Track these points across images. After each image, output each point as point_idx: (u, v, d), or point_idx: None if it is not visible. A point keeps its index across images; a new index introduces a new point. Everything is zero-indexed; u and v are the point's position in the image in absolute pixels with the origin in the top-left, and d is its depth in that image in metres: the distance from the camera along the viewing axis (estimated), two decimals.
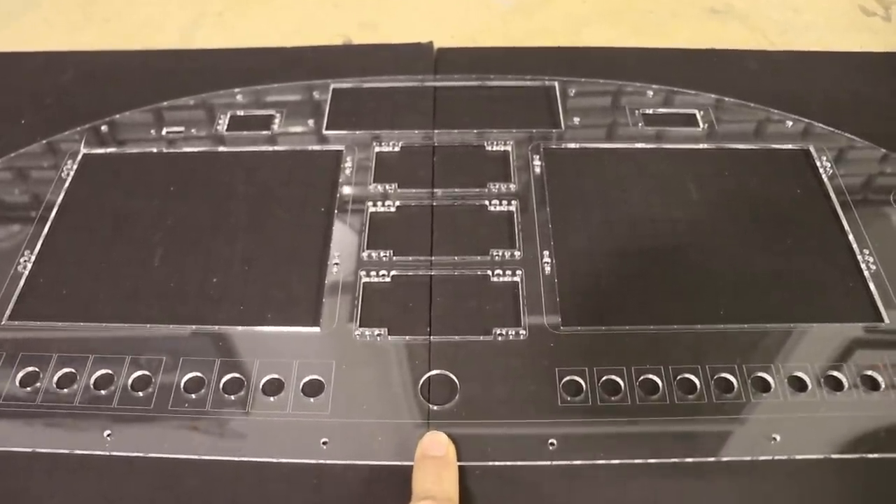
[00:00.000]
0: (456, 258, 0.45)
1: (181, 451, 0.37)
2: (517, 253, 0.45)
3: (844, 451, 0.37)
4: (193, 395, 0.39)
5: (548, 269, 0.44)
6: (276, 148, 0.52)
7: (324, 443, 0.38)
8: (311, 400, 0.39)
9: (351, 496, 0.36)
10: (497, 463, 0.37)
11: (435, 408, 0.39)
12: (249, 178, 0.51)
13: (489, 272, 0.44)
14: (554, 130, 0.53)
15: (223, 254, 0.46)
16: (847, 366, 0.40)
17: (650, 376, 0.40)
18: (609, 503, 0.36)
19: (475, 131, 0.53)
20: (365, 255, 0.45)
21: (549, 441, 0.37)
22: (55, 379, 0.40)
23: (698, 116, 0.54)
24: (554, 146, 0.52)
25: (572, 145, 0.52)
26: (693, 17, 0.65)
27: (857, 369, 0.40)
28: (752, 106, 0.55)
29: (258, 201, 0.49)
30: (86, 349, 0.41)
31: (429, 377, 0.40)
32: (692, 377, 0.40)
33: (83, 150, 0.52)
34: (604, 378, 0.40)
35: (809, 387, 0.39)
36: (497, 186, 0.49)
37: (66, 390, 0.40)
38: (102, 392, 0.40)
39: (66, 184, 0.50)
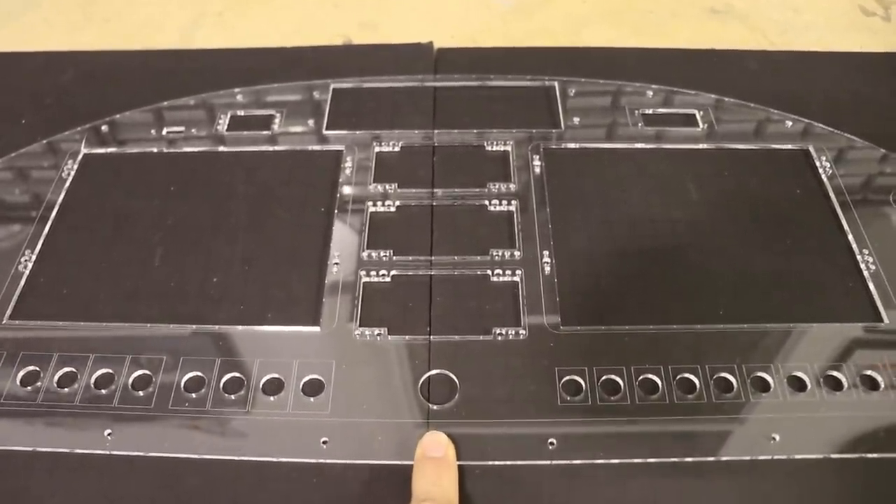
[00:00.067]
0: (456, 258, 0.45)
1: (181, 450, 0.38)
2: (517, 253, 0.45)
3: (844, 451, 0.37)
4: (194, 395, 0.39)
5: (547, 268, 0.44)
6: (277, 148, 0.52)
7: (324, 442, 0.38)
8: (311, 399, 0.39)
9: (351, 495, 0.36)
10: (497, 462, 0.37)
11: (435, 407, 0.39)
12: (249, 178, 0.51)
13: (489, 272, 0.44)
14: (554, 130, 0.53)
15: (223, 253, 0.46)
16: (846, 366, 0.40)
17: (650, 376, 0.40)
18: (609, 502, 0.36)
19: (475, 131, 0.53)
20: (365, 254, 0.45)
21: (549, 440, 0.37)
22: (56, 378, 0.40)
23: (698, 116, 0.54)
24: (554, 146, 0.52)
25: (572, 145, 0.52)
26: (693, 17, 0.65)
27: (856, 369, 0.40)
28: (752, 106, 0.55)
29: (258, 201, 0.49)
30: (86, 348, 0.41)
31: (429, 377, 0.40)
32: (692, 377, 0.40)
33: (83, 150, 0.52)
34: (603, 378, 0.40)
35: (809, 387, 0.39)
36: (497, 186, 0.49)
37: (66, 389, 0.40)
38: (103, 391, 0.40)
39: (67, 183, 0.50)
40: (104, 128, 0.54)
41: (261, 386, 0.40)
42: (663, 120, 0.54)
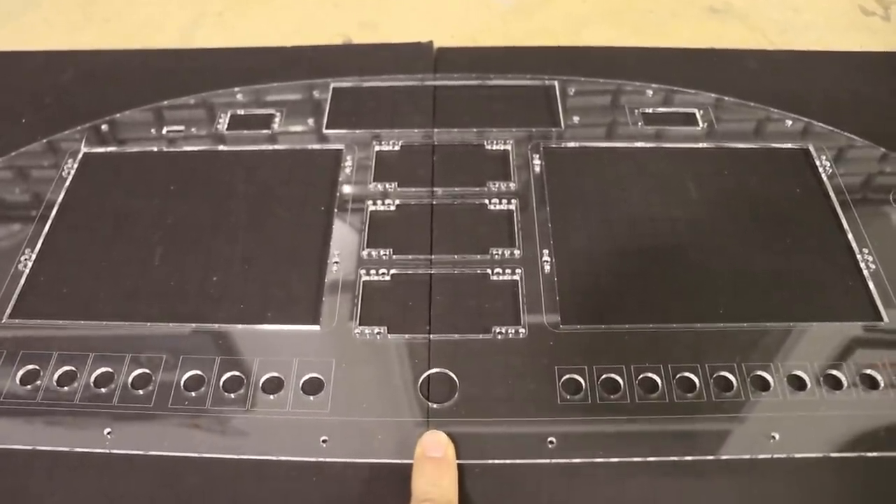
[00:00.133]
0: (456, 257, 0.45)
1: (181, 448, 0.38)
2: (517, 252, 0.45)
3: (843, 450, 0.37)
4: (193, 394, 0.39)
5: (547, 267, 0.44)
6: (277, 147, 0.52)
7: (323, 441, 0.38)
8: (311, 398, 0.39)
9: (350, 494, 0.36)
10: (496, 461, 0.37)
11: (434, 406, 0.39)
12: (249, 177, 0.51)
13: (489, 271, 0.44)
14: (554, 129, 0.53)
15: (223, 252, 0.46)
16: (846, 365, 0.40)
17: (649, 375, 0.40)
18: (608, 501, 0.36)
19: (475, 130, 0.53)
20: (365, 253, 0.45)
21: (549, 439, 0.37)
22: (55, 377, 0.40)
23: (698, 116, 0.54)
24: (554, 145, 0.52)
25: (572, 144, 0.52)
26: (693, 16, 0.65)
27: (856, 368, 0.40)
28: (752, 105, 0.55)
29: (258, 200, 0.49)
30: (86, 347, 0.41)
31: (428, 375, 0.40)
32: (691, 376, 0.40)
33: (84, 149, 0.52)
34: (603, 376, 0.40)
35: (808, 385, 0.39)
36: (497, 185, 0.49)
37: (66, 388, 0.40)
38: (103, 390, 0.40)
39: (67, 183, 0.50)
40: (104, 127, 0.54)
41: (260, 384, 0.40)
42: (663, 119, 0.54)
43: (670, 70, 0.58)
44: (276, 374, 0.40)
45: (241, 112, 0.55)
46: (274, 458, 0.37)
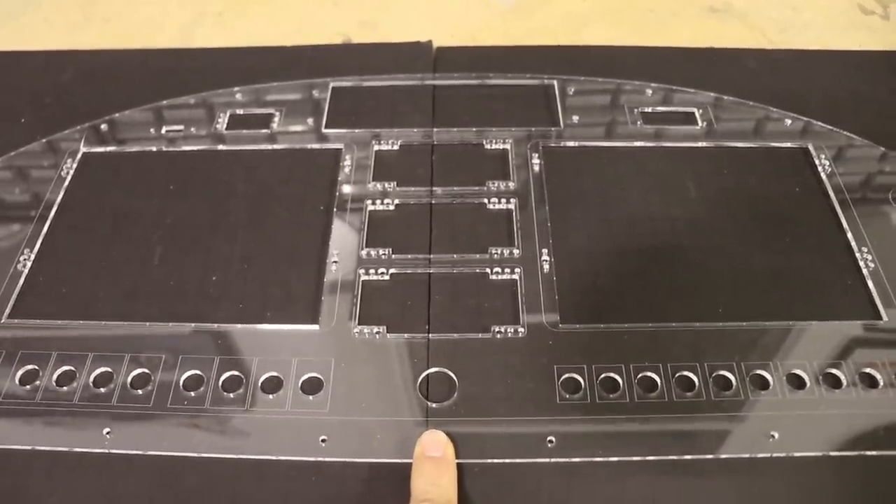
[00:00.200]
0: (455, 256, 0.45)
1: (180, 448, 0.38)
2: (516, 251, 0.45)
3: (843, 449, 0.37)
4: (192, 393, 0.39)
5: (546, 267, 0.44)
6: (276, 146, 0.52)
7: (322, 440, 0.38)
8: (310, 398, 0.39)
9: (350, 494, 0.36)
10: (496, 460, 0.37)
11: (434, 405, 0.39)
12: (249, 177, 0.51)
13: (488, 270, 0.44)
14: (553, 129, 0.53)
15: (223, 252, 0.46)
16: (845, 363, 0.40)
17: (649, 374, 0.40)
18: (608, 501, 0.36)
19: (474, 129, 0.53)
20: (364, 253, 0.45)
21: (548, 438, 0.37)
22: (55, 377, 0.40)
23: (697, 115, 0.54)
24: (553, 144, 0.52)
25: (571, 143, 0.52)
26: (692, 15, 0.65)
27: (855, 367, 0.40)
28: (751, 104, 0.55)
29: (257, 200, 0.49)
30: (85, 347, 0.41)
31: (427, 375, 0.40)
32: (691, 375, 0.40)
33: (83, 149, 0.52)
34: (602, 376, 0.40)
35: (808, 384, 0.39)
36: (496, 185, 0.49)
37: (65, 388, 0.40)
38: (102, 390, 0.40)
39: (66, 182, 0.50)
40: (104, 127, 0.54)
41: (260, 384, 0.40)
42: (662, 118, 0.54)
43: (670, 69, 0.58)
44: (275, 374, 0.40)
45: (240, 112, 0.55)
46: (273, 457, 0.37)
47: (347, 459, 0.37)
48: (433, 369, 0.40)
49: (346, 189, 0.49)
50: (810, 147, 0.51)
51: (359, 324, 0.42)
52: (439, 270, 0.45)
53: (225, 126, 0.54)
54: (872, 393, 0.39)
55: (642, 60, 0.59)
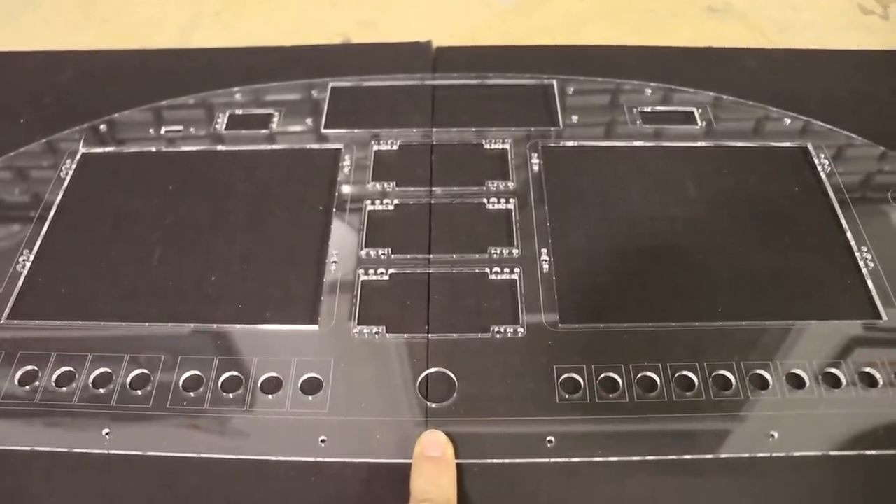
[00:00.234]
0: (454, 256, 0.45)
1: (180, 449, 0.38)
2: (515, 251, 0.45)
3: (842, 448, 0.37)
4: (192, 394, 0.39)
5: (546, 266, 0.44)
6: (275, 147, 0.52)
7: (322, 441, 0.38)
8: (310, 398, 0.39)
9: (349, 494, 0.36)
10: (495, 460, 0.37)
11: (433, 405, 0.39)
12: (248, 177, 0.51)
13: (487, 270, 0.44)
14: (552, 128, 0.53)
15: (222, 252, 0.46)
16: (845, 363, 0.40)
17: (648, 374, 0.40)
18: (607, 500, 0.36)
19: (474, 129, 0.53)
20: (363, 253, 0.45)
21: (548, 438, 0.37)
22: (54, 377, 0.40)
23: (697, 114, 0.54)
24: (552, 144, 0.52)
25: (571, 143, 0.52)
26: (692, 15, 0.65)
27: (854, 366, 0.40)
28: (751, 104, 0.55)
29: (257, 200, 0.49)
30: (84, 348, 0.41)
31: (427, 375, 0.40)
32: (690, 374, 0.40)
33: (82, 150, 0.52)
34: (602, 375, 0.40)
35: (807, 384, 0.39)
36: (495, 184, 0.49)
37: (64, 389, 0.40)
38: (101, 391, 0.40)
39: (65, 183, 0.50)
40: (103, 127, 0.54)
41: (259, 384, 0.40)
42: (662, 118, 0.54)
43: (669, 69, 0.58)
44: (274, 374, 0.40)
45: (239, 112, 0.55)
46: (273, 458, 0.37)
47: (347, 460, 0.37)
48: (432, 369, 0.40)
49: (346, 189, 0.49)
50: (810, 146, 0.51)
51: (358, 324, 0.42)
52: (439, 270, 0.45)
53: (224, 126, 0.54)
54: (872, 392, 0.39)
55: (642, 60, 0.59)
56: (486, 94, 0.56)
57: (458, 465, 0.36)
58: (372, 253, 0.45)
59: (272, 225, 0.48)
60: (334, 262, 0.45)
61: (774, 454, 0.37)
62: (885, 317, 0.42)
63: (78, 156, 0.52)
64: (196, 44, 0.63)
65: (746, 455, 0.37)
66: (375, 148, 0.52)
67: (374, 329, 0.42)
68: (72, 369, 0.40)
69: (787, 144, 0.52)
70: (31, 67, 0.60)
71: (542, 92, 0.56)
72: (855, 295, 0.43)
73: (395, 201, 0.48)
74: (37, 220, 0.48)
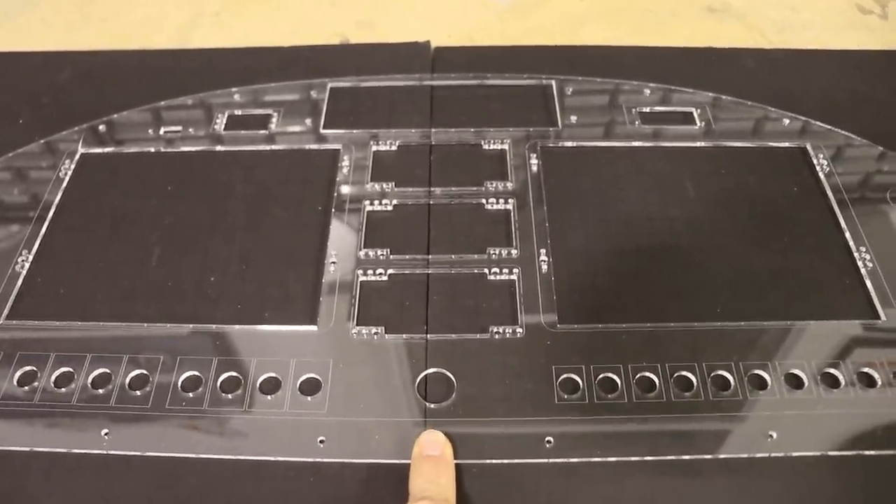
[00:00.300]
0: (453, 257, 0.45)
1: (179, 449, 0.38)
2: (514, 251, 0.45)
3: (841, 448, 0.37)
4: (191, 394, 0.39)
5: (545, 267, 0.44)
6: (274, 147, 0.52)
7: (321, 441, 0.38)
8: (309, 398, 0.39)
9: (348, 494, 0.36)
10: (494, 461, 0.37)
11: (432, 406, 0.39)
12: (247, 178, 0.51)
13: (486, 270, 0.44)
14: (551, 129, 0.53)
15: (221, 253, 0.46)
16: (844, 363, 0.40)
17: (647, 374, 0.40)
18: (606, 501, 0.36)
19: (472, 130, 0.53)
20: (362, 253, 0.45)
21: (546, 439, 0.37)
22: (53, 378, 0.40)
23: (695, 115, 0.54)
24: (551, 145, 0.52)
25: (569, 144, 0.52)
26: (691, 15, 0.65)
27: (853, 367, 0.40)
28: (750, 104, 0.55)
29: (256, 200, 0.49)
30: (83, 348, 0.41)
31: (426, 375, 0.40)
32: (689, 375, 0.40)
33: (81, 150, 0.52)
34: (601, 376, 0.40)
35: (806, 384, 0.39)
36: (494, 185, 0.49)
37: (63, 389, 0.40)
38: (100, 391, 0.40)
39: (64, 183, 0.50)
40: (101, 127, 0.54)
41: (258, 385, 0.40)
42: (661, 118, 0.54)
43: (668, 69, 0.58)
44: (273, 375, 0.40)
45: (238, 112, 0.55)
46: (271, 458, 0.37)
47: (346, 460, 0.37)
48: (431, 370, 0.40)
49: (345, 189, 0.49)
50: (808, 147, 0.51)
51: (357, 324, 0.42)
52: (437, 271, 0.45)
53: (223, 127, 0.54)
54: (870, 392, 0.39)
55: (640, 60, 0.59)
56: (484, 95, 0.56)
57: (457, 466, 0.36)
58: (371, 253, 0.45)
59: (271, 225, 0.48)
60: (333, 262, 0.45)
61: (773, 454, 0.37)
62: (883, 317, 0.42)
63: (77, 156, 0.52)
64: (195, 44, 0.63)
65: (745, 455, 0.37)
66: (374, 148, 0.52)
67: (373, 329, 0.42)
68: (71, 370, 0.40)
69: (786, 145, 0.52)
70: (29, 68, 0.60)
71: (541, 92, 0.56)
72: (853, 295, 0.43)
73: (394, 202, 0.48)
74: (36, 220, 0.48)
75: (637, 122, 0.53)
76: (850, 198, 0.48)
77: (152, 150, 0.53)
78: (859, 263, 0.44)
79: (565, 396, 0.39)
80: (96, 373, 0.40)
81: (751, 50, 0.61)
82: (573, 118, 0.54)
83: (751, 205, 0.48)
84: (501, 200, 0.48)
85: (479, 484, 0.37)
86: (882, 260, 0.45)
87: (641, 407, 0.38)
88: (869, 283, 0.43)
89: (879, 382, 0.39)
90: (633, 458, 0.37)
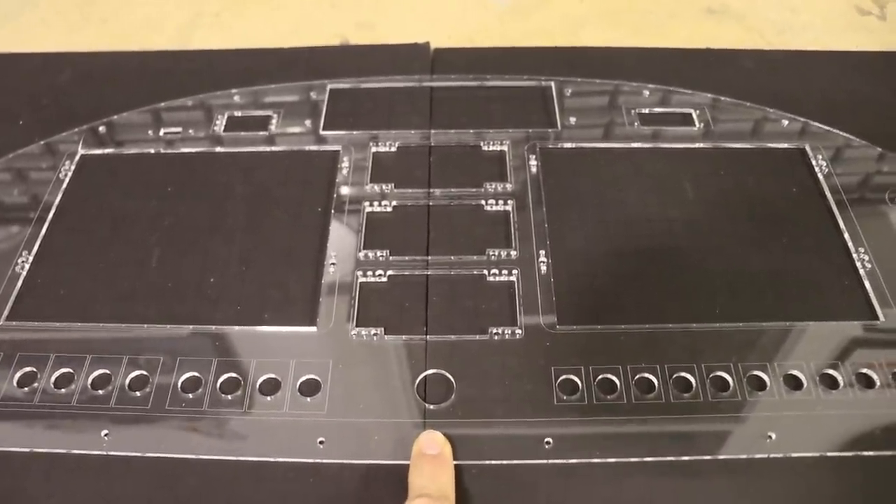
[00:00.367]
0: (452, 258, 0.45)
1: (178, 450, 0.38)
2: (513, 252, 0.45)
3: (840, 449, 0.37)
4: (191, 395, 0.39)
5: (544, 268, 0.44)
6: (274, 148, 0.53)
7: (320, 442, 0.38)
8: (308, 399, 0.39)
9: (348, 495, 0.36)
10: (493, 462, 0.37)
11: (431, 407, 0.39)
12: (247, 179, 0.51)
13: (485, 272, 0.44)
14: (550, 130, 0.53)
15: (220, 254, 0.46)
16: (842, 364, 0.40)
17: (646, 375, 0.40)
18: (605, 502, 0.36)
19: (472, 131, 0.53)
20: (361, 254, 0.45)
21: (545, 440, 0.38)
22: (53, 379, 0.40)
23: (694, 116, 0.54)
24: (550, 146, 0.52)
25: (569, 145, 0.52)
26: (690, 17, 0.65)
27: (852, 367, 0.40)
28: (749, 105, 0.55)
29: (255, 201, 0.49)
30: (83, 349, 0.41)
31: (425, 376, 0.40)
32: (688, 376, 0.40)
33: (81, 151, 0.52)
34: (600, 377, 0.40)
35: (805, 385, 0.39)
36: (493, 186, 0.49)
37: (63, 390, 0.40)
38: (100, 392, 0.40)
39: (64, 184, 0.50)
40: (101, 129, 0.54)
41: (258, 386, 0.40)
42: (660, 119, 0.54)
43: (667, 70, 0.58)
44: (272, 376, 0.40)
45: (238, 113, 0.55)
46: (271, 459, 0.37)
47: (345, 461, 0.37)
48: (431, 371, 0.40)
49: (344, 191, 0.49)
50: (807, 148, 0.51)
51: (357, 325, 0.42)
52: (437, 272, 0.45)
53: (223, 128, 0.54)
54: (869, 393, 0.39)
55: (640, 62, 0.59)
56: (484, 96, 0.56)
57: (457, 467, 0.37)
58: (370, 254, 0.45)
59: (271, 226, 0.48)
60: (333, 263, 0.45)
61: (772, 455, 0.37)
62: (882, 318, 0.42)
63: (77, 157, 0.52)
64: (194, 45, 0.63)
65: (744, 456, 0.37)
66: (374, 149, 0.52)
67: (373, 330, 0.42)
68: (71, 371, 0.40)
69: (785, 146, 0.52)
70: (29, 69, 0.60)
71: (540, 93, 0.56)
72: (852, 296, 0.43)
73: (394, 203, 0.48)
74: (36, 221, 0.48)
75: (636, 124, 0.53)
76: (849, 199, 0.48)
77: (152, 151, 0.53)
78: (858, 264, 0.45)
79: (564, 397, 0.39)
80: (96, 374, 0.40)
81: (750, 51, 0.61)
82: (572, 119, 0.54)
83: (750, 206, 0.48)
84: (501, 202, 0.48)
85: (478, 485, 0.37)
86: (881, 261, 0.45)
87: (640, 408, 0.38)
88: (868, 284, 0.44)
89: (878, 383, 0.39)
90: (633, 459, 0.37)
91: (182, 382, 0.40)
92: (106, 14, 0.67)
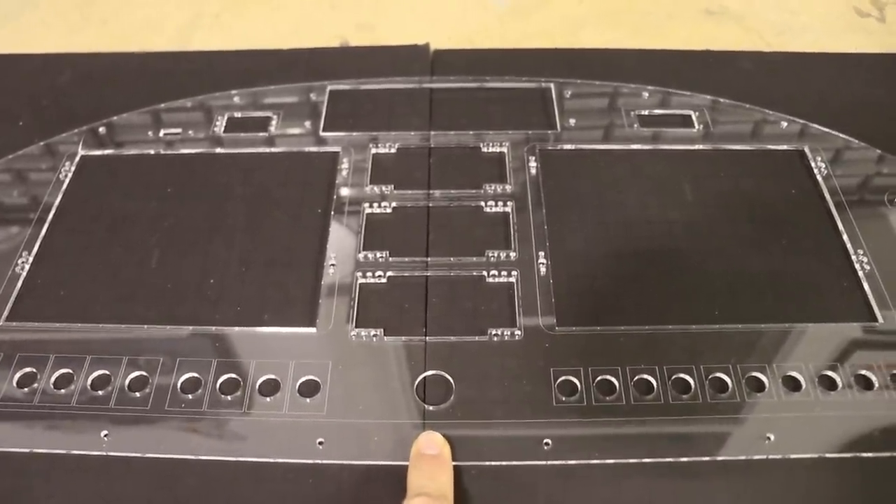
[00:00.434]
0: (452, 259, 0.45)
1: (178, 451, 0.38)
2: (513, 254, 0.45)
3: (838, 451, 0.37)
4: (190, 396, 0.40)
5: (543, 269, 0.45)
6: (274, 149, 0.53)
7: (320, 443, 0.38)
8: (308, 400, 0.39)
9: (347, 496, 0.36)
10: (492, 463, 0.37)
11: (430, 408, 0.39)
12: (246, 180, 0.51)
13: (485, 273, 0.44)
14: (550, 132, 0.53)
15: (220, 255, 0.46)
16: (841, 366, 0.40)
17: (645, 376, 0.40)
18: (604, 503, 0.36)
19: (471, 133, 0.53)
20: (361, 256, 0.45)
21: (544, 441, 0.38)
22: (52, 380, 0.40)
23: (694, 117, 0.54)
24: (550, 147, 0.52)
25: (568, 146, 0.52)
26: (689, 18, 0.66)
27: (851, 369, 0.40)
28: (748, 107, 0.55)
29: (255, 202, 0.49)
30: (83, 350, 0.41)
31: (424, 377, 0.40)
32: (687, 377, 0.40)
33: (81, 152, 0.53)
34: (599, 378, 0.40)
35: (804, 386, 0.39)
36: (493, 188, 0.49)
37: (63, 391, 0.40)
38: (100, 393, 0.40)
39: (64, 185, 0.50)
40: (101, 129, 0.54)
41: (257, 387, 0.40)
42: (659, 121, 0.54)
43: (666, 72, 0.58)
44: (272, 377, 0.40)
45: (237, 115, 0.55)
46: (271, 460, 0.37)
47: (345, 462, 0.37)
48: (430, 372, 0.40)
49: (344, 192, 0.49)
50: (807, 150, 0.51)
51: (356, 326, 0.42)
52: (436, 273, 0.45)
53: (223, 129, 0.54)
54: (868, 395, 0.39)
55: (639, 63, 0.59)
56: (483, 98, 0.56)
57: (456, 468, 0.37)
58: (370, 256, 0.45)
59: (270, 227, 0.48)
60: (332, 264, 0.45)
61: (771, 456, 0.37)
62: (881, 319, 0.42)
63: (77, 158, 0.52)
64: (194, 46, 0.63)
65: (743, 457, 0.37)
66: (373, 151, 0.52)
67: (372, 332, 0.42)
68: (70, 371, 0.40)
69: (784, 147, 0.52)
70: (29, 70, 0.60)
71: (540, 95, 0.56)
72: (851, 298, 0.43)
73: (393, 204, 0.48)
74: (36, 222, 0.48)
75: (636, 125, 0.54)
76: (848, 200, 0.48)
77: (152, 152, 0.53)
78: (857, 266, 0.45)
79: (563, 398, 0.39)
80: (96, 374, 0.40)
81: (749, 53, 0.61)
82: (572, 121, 0.54)
83: (749, 207, 0.48)
84: (500, 203, 0.48)
85: (477, 486, 0.37)
86: (879, 263, 0.45)
87: (639, 409, 0.39)
88: (866, 286, 0.44)
89: (877, 385, 0.39)
90: (632, 460, 0.37)
91: (182, 383, 0.40)
92: (106, 15, 0.67)
